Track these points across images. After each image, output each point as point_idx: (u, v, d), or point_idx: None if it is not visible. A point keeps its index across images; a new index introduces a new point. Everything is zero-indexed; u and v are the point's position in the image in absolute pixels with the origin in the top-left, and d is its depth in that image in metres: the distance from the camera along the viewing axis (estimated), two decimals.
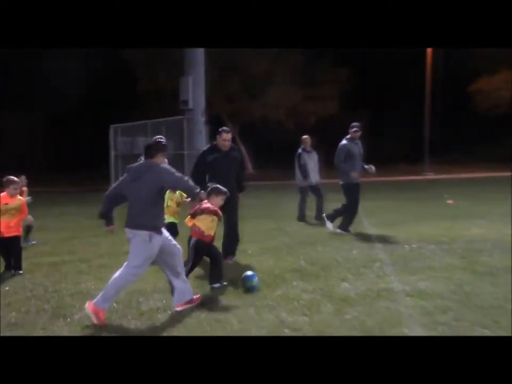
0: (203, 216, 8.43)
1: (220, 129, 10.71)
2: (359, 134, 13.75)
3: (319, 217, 15.86)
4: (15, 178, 9.84)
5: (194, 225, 8.51)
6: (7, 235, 9.62)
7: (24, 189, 12.72)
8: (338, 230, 13.75)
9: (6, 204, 9.67)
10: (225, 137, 10.55)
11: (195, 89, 31.81)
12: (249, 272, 8.58)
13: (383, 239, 12.52)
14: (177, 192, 10.61)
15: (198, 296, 7.71)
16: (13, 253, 9.72)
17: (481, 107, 46.61)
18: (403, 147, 47.90)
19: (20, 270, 9.66)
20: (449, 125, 47.60)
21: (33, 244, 12.91)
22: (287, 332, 6.51)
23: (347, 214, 13.82)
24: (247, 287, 8.37)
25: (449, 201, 20.73)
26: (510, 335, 5.96)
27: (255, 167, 43.45)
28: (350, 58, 43.90)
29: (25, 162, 34.19)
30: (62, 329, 6.79)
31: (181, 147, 32.40)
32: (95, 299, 7.14)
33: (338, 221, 13.97)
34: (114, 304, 7.83)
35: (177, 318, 7.18)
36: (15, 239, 9.77)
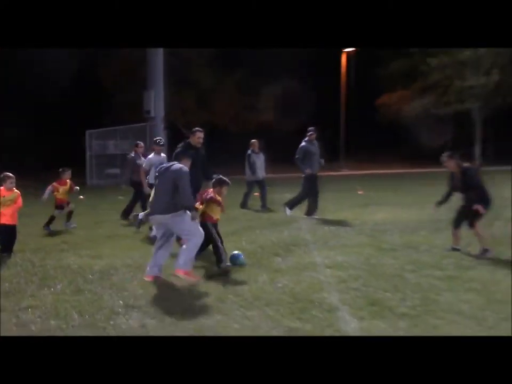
0: (210, 203, 8.19)
1: (194, 129, 10.45)
2: (314, 136, 14.00)
3: (264, 206, 15.94)
4: (11, 174, 9.56)
5: (202, 210, 8.23)
6: (2, 222, 9.36)
7: (68, 181, 12.46)
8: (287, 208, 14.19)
9: (4, 196, 9.41)
10: (200, 136, 10.35)
11: (156, 101, 31.81)
12: (235, 252, 8.52)
13: (308, 223, 12.63)
14: None
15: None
16: (7, 239, 9.47)
17: (384, 117, 47.32)
18: (323, 147, 48.26)
19: (9, 253, 9.37)
20: (360, 130, 48.13)
21: (74, 227, 12.52)
22: (230, 297, 6.54)
23: (301, 199, 14.17)
24: (235, 264, 8.25)
25: (359, 192, 21.01)
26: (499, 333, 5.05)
27: None
28: (283, 77, 44.05)
29: (24, 162, 33.15)
30: (47, 297, 6.69)
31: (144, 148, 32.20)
32: (178, 265, 7.42)
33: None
34: (90, 275, 7.74)
35: (140, 287, 7.13)
36: (10, 228, 9.49)
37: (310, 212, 13.83)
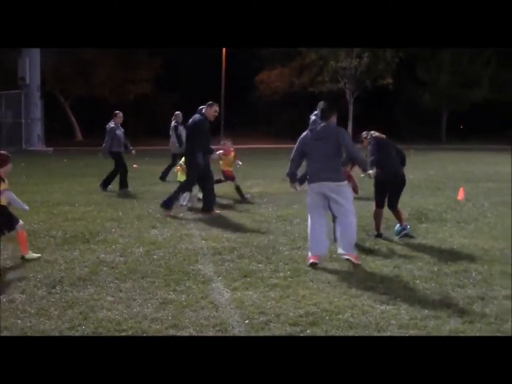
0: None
1: (210, 102, 10.03)
2: None
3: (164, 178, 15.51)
4: None
5: None
6: None
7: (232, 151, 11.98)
8: None
9: None
10: (217, 109, 10.00)
11: (32, 69, 30.45)
12: (398, 226, 8.32)
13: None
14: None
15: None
16: None
17: (263, 94, 48.00)
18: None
19: None
20: (239, 107, 48.47)
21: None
22: (105, 270, 6.36)
23: None
24: (404, 234, 8.13)
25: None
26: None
27: (85, 135, 42.07)
28: (162, 51, 43.46)
29: None
30: None
31: (19, 116, 30.80)
32: (344, 251, 6.63)
33: None
34: None
35: (10, 260, 6.75)
36: None
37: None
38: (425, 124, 49.52)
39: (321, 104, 13.47)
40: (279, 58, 47.56)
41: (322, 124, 6.90)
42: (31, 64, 29.97)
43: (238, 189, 12.02)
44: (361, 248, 7.46)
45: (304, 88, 45.07)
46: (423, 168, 19.79)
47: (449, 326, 4.77)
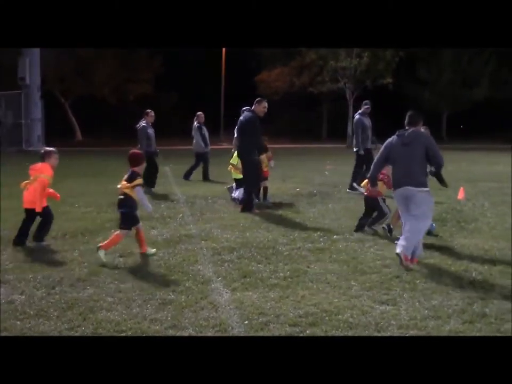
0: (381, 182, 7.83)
1: (259, 98, 10.17)
2: (369, 110, 13.30)
3: (207, 178, 15.62)
4: None
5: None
6: None
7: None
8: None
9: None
10: (266, 105, 10.10)
11: (32, 68, 30.42)
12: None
13: (186, 195, 12.51)
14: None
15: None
16: None
17: (263, 93, 47.95)
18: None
19: None
20: (240, 106, 48.37)
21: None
22: (104, 270, 6.36)
23: (356, 175, 12.91)
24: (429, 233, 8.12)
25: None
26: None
27: (85, 135, 42.02)
28: (163, 50, 43.44)
29: None
30: None
31: (19, 117, 30.81)
32: (403, 253, 6.49)
33: None
34: None
35: (10, 261, 6.75)
36: None
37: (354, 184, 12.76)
38: (425, 124, 49.38)
39: (368, 102, 13.37)
40: (279, 57, 47.52)
41: (411, 130, 6.94)
42: (31, 64, 29.95)
43: (264, 190, 11.57)
44: (361, 248, 7.47)
45: (304, 88, 45.04)
46: None
47: (449, 326, 4.77)
